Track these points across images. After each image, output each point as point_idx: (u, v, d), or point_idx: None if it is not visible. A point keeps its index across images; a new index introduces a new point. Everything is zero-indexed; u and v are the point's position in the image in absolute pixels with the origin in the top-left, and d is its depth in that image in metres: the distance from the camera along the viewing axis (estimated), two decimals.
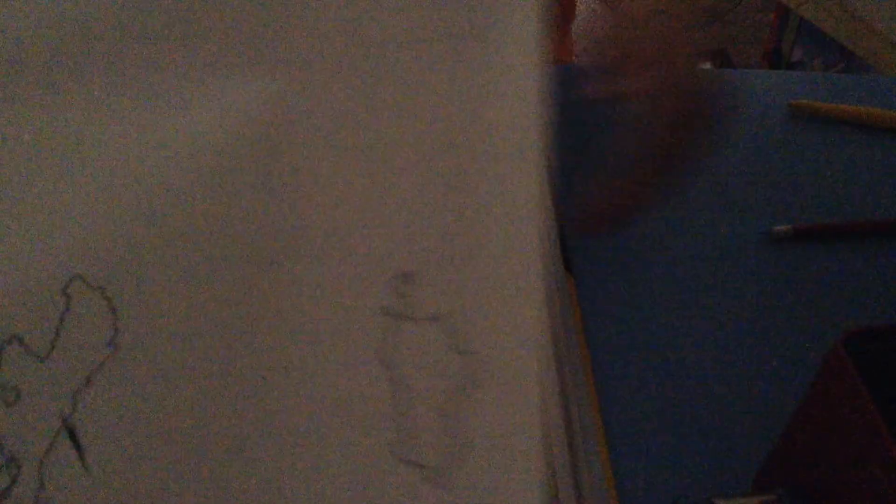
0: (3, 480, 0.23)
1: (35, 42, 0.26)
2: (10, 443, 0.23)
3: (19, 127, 0.25)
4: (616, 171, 0.40)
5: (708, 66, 1.65)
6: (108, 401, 0.23)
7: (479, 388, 0.25)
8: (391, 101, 0.27)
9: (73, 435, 0.23)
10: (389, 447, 0.25)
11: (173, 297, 0.24)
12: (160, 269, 0.24)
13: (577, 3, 0.89)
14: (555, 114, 0.27)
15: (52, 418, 0.23)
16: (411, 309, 0.25)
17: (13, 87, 0.25)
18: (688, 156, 0.38)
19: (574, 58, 0.90)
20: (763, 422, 0.43)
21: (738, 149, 0.61)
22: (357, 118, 0.26)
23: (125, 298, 0.24)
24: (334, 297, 0.25)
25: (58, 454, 0.23)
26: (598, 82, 0.39)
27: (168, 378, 0.24)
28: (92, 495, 0.23)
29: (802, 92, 0.65)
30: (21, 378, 0.23)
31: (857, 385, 0.31)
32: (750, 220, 0.55)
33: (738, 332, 0.48)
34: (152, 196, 0.25)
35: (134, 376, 0.24)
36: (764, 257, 0.53)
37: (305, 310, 0.25)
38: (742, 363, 0.47)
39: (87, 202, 0.24)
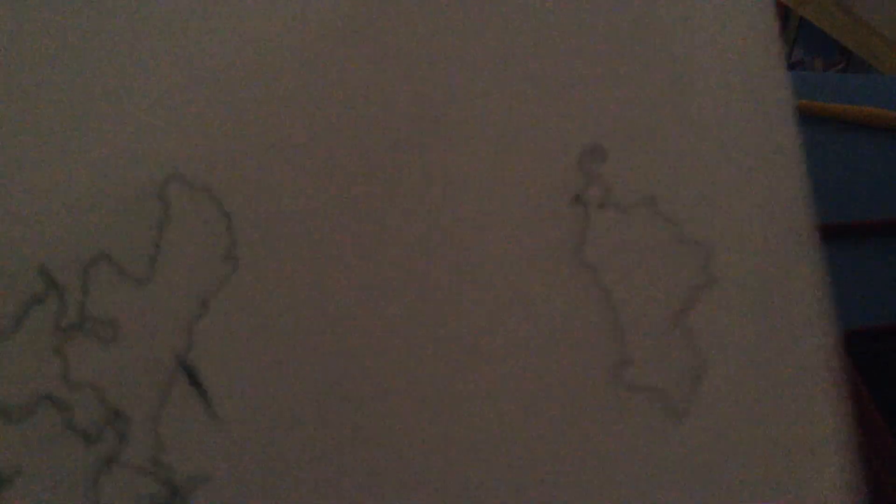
0: (109, 442, 0.17)
1: None
2: (113, 393, 0.17)
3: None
4: None
5: None
6: (231, 330, 0.18)
7: (715, 286, 0.20)
8: None
9: (192, 376, 0.18)
10: (611, 372, 0.19)
11: (298, 196, 0.19)
12: (279, 161, 0.19)
13: None
14: None
15: (163, 357, 0.18)
16: (610, 193, 0.20)
17: None
18: None
19: None
20: None
21: None
22: None
23: (239, 199, 0.18)
24: (508, 185, 0.19)
25: (175, 403, 0.18)
26: None
27: (299, 295, 0.18)
28: (225, 449, 0.18)
29: (802, 92, 0.65)
30: (117, 308, 0.18)
31: (858, 385, 0.31)
32: None
33: None
34: (261, 71, 0.19)
35: (258, 297, 0.18)
36: None
37: (471, 205, 0.19)
38: None
39: (183, 81, 0.19)
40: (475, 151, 0.20)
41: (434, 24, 0.20)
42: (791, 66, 1.48)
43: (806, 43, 1.45)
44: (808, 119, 0.63)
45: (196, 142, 0.19)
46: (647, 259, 0.20)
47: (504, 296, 0.19)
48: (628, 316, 0.20)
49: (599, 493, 0.18)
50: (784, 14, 1.49)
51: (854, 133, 0.62)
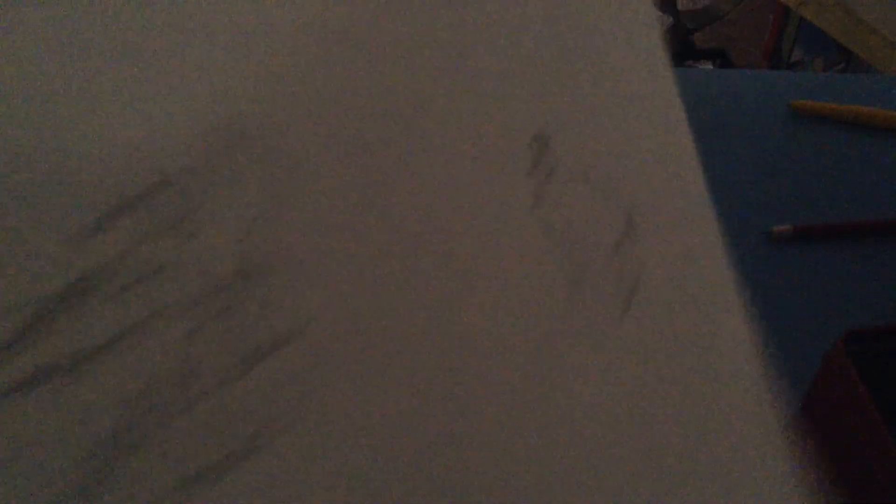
0: (197, 315, 0.20)
1: None
2: (197, 277, 0.20)
3: None
4: None
5: (708, 66, 1.65)
6: (272, 242, 0.22)
7: (636, 231, 0.27)
8: None
9: (246, 273, 0.21)
10: (568, 288, 0.25)
11: (320, 149, 0.22)
12: (307, 115, 0.22)
13: None
14: None
15: (226, 258, 0.21)
16: (554, 170, 0.26)
17: None
18: None
19: None
20: None
21: (738, 149, 0.61)
22: None
23: (274, 151, 0.22)
24: (479, 162, 0.25)
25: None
26: None
27: (326, 221, 0.22)
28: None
29: (802, 92, 0.65)
30: (190, 218, 0.21)
31: (857, 385, 0.31)
32: (750, 220, 0.55)
33: None
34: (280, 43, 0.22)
35: (292, 224, 0.22)
36: (764, 257, 0.53)
37: (452, 175, 0.24)
38: None
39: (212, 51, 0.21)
40: (456, 137, 0.25)
41: (420, 44, 0.25)
42: (791, 66, 1.48)
43: (806, 43, 1.45)
44: (808, 119, 0.63)
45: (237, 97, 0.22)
46: (586, 214, 0.27)
47: (480, 243, 0.25)
48: (577, 252, 0.26)
49: (565, 371, 0.25)
50: (784, 14, 1.49)
51: (854, 133, 0.62)
